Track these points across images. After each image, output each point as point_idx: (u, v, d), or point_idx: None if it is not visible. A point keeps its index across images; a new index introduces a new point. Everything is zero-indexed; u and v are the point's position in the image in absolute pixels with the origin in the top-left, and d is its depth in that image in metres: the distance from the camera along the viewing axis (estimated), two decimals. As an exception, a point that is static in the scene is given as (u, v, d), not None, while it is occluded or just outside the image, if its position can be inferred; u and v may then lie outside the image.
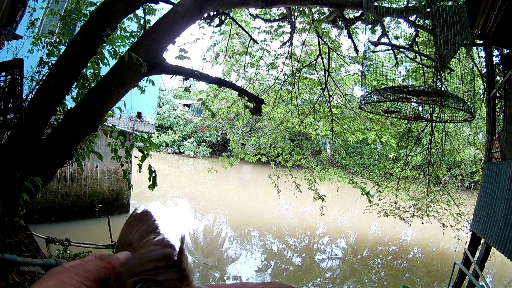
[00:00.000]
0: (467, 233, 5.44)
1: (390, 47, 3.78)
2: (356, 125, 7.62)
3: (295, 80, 6.94)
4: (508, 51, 4.61)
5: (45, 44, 3.42)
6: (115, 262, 0.44)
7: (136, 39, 3.18)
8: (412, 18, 4.37)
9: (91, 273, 0.41)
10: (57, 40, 3.52)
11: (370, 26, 3.56)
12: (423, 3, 2.98)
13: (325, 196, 6.83)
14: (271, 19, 6.13)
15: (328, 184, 8.36)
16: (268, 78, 8.19)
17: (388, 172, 7.55)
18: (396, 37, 6.14)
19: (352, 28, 5.82)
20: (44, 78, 2.91)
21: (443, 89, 2.81)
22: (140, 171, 3.31)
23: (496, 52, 5.17)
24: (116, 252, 0.47)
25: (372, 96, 2.66)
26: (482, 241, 4.32)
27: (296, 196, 6.91)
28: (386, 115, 3.00)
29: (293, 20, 5.72)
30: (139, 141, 3.52)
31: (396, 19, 5.75)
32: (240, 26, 5.32)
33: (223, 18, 4.90)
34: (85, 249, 4.82)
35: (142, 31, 3.21)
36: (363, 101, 2.75)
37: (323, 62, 6.45)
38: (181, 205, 13.71)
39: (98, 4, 3.36)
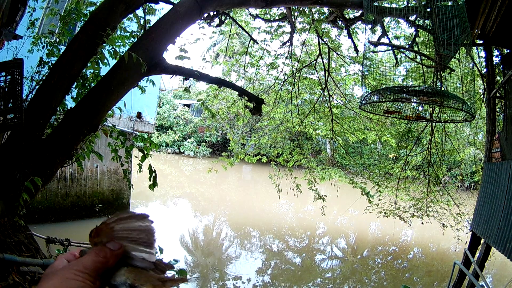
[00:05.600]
0: (467, 233, 5.44)
1: (390, 47, 3.78)
2: (356, 125, 7.62)
3: (295, 80, 6.94)
4: (508, 51, 4.60)
5: (45, 44, 3.42)
6: (109, 254, 0.49)
7: (136, 39, 3.17)
8: (412, 18, 4.37)
9: (90, 268, 0.46)
10: (57, 40, 3.52)
11: (370, 26, 3.56)
12: (423, 3, 2.98)
13: (326, 196, 6.82)
14: (271, 19, 6.13)
15: (328, 184, 8.36)
16: (268, 78, 8.18)
17: (388, 172, 7.55)
18: (396, 37, 6.14)
19: (352, 28, 5.82)
20: (44, 78, 2.91)
21: (443, 89, 2.81)
22: (140, 171, 3.30)
23: (496, 52, 5.17)
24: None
25: (372, 96, 2.65)
26: (482, 241, 4.32)
27: (296, 196, 6.91)
28: (386, 115, 3.00)
29: (293, 20, 5.71)
30: (139, 141, 3.52)
31: (396, 19, 5.75)
32: (240, 26, 5.32)
33: (223, 18, 4.90)
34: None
35: (142, 31, 3.21)
36: (363, 101, 2.75)
37: (323, 62, 6.45)
38: (181, 205, 13.71)
39: (98, 4, 3.36)
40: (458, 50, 2.82)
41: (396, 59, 4.21)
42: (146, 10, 3.25)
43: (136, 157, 3.55)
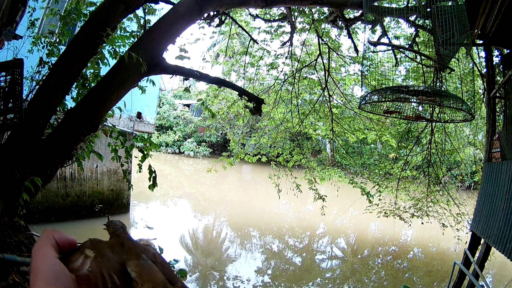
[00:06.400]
0: (467, 233, 5.44)
1: (390, 47, 3.78)
2: (356, 125, 7.63)
3: (295, 80, 6.94)
4: (508, 51, 4.61)
5: (45, 44, 3.42)
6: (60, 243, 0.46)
7: (136, 39, 3.18)
8: (412, 18, 4.37)
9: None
10: (57, 40, 3.52)
11: (370, 26, 3.56)
12: (423, 3, 2.98)
13: (326, 196, 6.82)
14: (271, 19, 6.14)
15: (328, 184, 8.36)
16: (268, 78, 8.19)
17: (388, 172, 7.55)
18: (396, 37, 6.14)
19: (352, 28, 5.83)
20: (44, 78, 2.91)
21: (443, 89, 2.81)
22: (140, 171, 3.30)
23: (496, 52, 5.17)
24: None
25: (372, 96, 2.66)
26: (482, 241, 4.32)
27: (296, 196, 6.91)
28: (386, 115, 3.00)
29: (293, 20, 5.71)
30: (139, 141, 3.52)
31: (396, 19, 5.75)
32: (240, 26, 5.32)
33: (223, 18, 4.90)
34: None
35: (142, 31, 3.22)
36: (362, 101, 2.75)
37: (323, 62, 6.46)
38: (181, 205, 13.71)
39: (98, 4, 3.36)
40: (458, 50, 2.82)
41: (396, 59, 4.21)
42: (146, 10, 3.25)
43: (136, 157, 3.55)
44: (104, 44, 2.75)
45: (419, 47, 4.84)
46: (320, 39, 6.07)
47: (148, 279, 0.43)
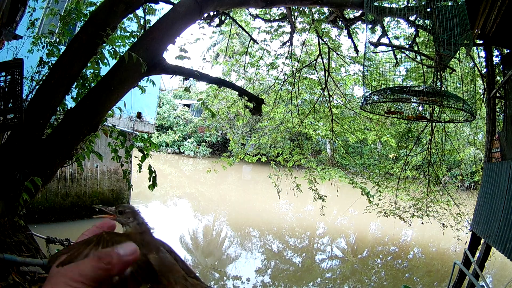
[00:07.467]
0: (467, 233, 5.44)
1: (390, 48, 3.78)
2: (356, 125, 7.62)
3: (295, 80, 6.94)
4: (508, 51, 4.60)
5: (45, 44, 3.41)
6: (115, 260, 0.39)
7: (136, 39, 3.17)
8: (412, 18, 4.37)
9: (87, 276, 0.37)
10: (57, 40, 3.52)
11: (370, 26, 3.56)
12: (423, 3, 2.97)
13: (326, 196, 6.82)
14: (271, 19, 6.13)
15: (328, 184, 8.36)
16: (268, 78, 8.18)
17: (388, 172, 7.54)
18: (396, 37, 6.13)
19: (352, 28, 5.82)
20: (44, 78, 2.91)
21: (443, 89, 2.81)
22: (140, 171, 3.30)
23: (496, 52, 5.17)
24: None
25: (373, 96, 2.66)
26: (482, 241, 4.32)
27: (296, 196, 6.91)
28: (387, 115, 3.00)
29: (293, 20, 5.71)
30: (139, 141, 3.52)
31: (396, 19, 5.75)
32: (240, 26, 5.32)
33: (223, 18, 4.90)
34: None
35: (142, 31, 3.21)
36: (363, 102, 2.75)
37: (323, 62, 6.45)
38: (181, 205, 13.71)
39: (98, 4, 3.36)
40: (458, 50, 2.82)
41: (396, 59, 4.21)
42: (146, 10, 3.25)
43: (136, 157, 3.55)
44: (104, 44, 2.75)
45: (419, 47, 4.84)
46: (320, 39, 6.06)
47: (167, 272, 0.44)
